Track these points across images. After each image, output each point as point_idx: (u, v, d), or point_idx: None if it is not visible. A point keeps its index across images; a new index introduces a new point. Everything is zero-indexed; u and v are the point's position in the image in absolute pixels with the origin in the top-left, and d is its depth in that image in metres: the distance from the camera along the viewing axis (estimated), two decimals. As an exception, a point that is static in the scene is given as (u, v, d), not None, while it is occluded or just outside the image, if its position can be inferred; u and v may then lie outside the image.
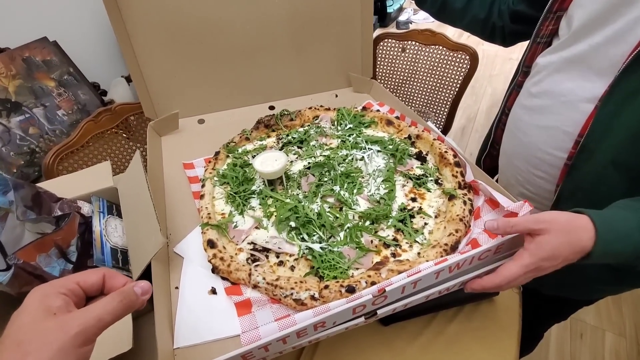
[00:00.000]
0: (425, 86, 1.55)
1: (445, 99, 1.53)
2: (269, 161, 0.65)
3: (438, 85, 1.52)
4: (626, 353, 1.37)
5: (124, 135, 1.30)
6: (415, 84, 1.56)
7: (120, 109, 1.16)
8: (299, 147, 0.77)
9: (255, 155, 0.75)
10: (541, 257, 0.45)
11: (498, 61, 3.21)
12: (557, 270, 0.47)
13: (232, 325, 0.48)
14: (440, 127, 1.57)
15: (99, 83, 1.96)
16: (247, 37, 0.83)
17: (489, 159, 0.84)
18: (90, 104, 1.80)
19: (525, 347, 1.00)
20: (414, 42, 1.47)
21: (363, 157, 0.71)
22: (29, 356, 0.27)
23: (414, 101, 1.60)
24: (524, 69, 0.68)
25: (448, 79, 1.48)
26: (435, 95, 1.55)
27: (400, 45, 1.50)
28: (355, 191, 0.64)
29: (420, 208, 0.61)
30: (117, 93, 1.95)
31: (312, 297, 0.48)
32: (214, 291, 0.52)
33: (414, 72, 1.54)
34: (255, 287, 0.51)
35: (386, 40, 1.51)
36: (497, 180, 0.74)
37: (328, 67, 0.95)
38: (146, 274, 0.51)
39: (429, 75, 1.51)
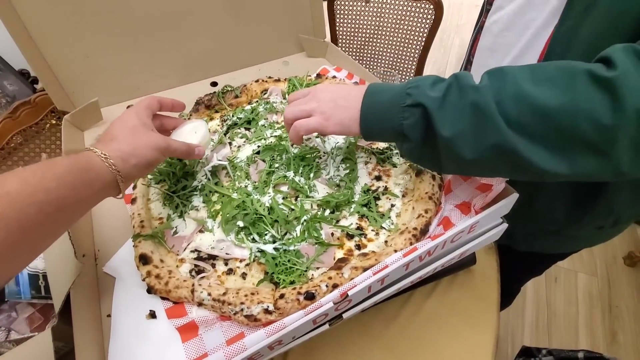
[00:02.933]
0: (391, 43, 1.43)
1: (412, 54, 1.43)
2: (186, 135, 0.53)
3: (404, 40, 1.41)
4: (598, 291, 1.43)
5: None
6: (380, 41, 1.45)
7: (42, 99, 1.00)
8: (246, 129, 0.67)
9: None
10: (319, 88, 0.50)
11: (464, 9, 3.09)
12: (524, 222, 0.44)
13: (176, 355, 0.41)
14: (408, 86, 1.48)
15: (28, 70, 1.74)
16: (173, 1, 0.69)
17: None
18: (20, 95, 1.59)
19: (503, 302, 1.02)
20: (375, -6, 1.33)
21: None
22: (137, 144, 0.43)
23: (380, 61, 1.49)
24: (487, 7, 0.60)
25: (413, 33, 1.37)
26: (401, 52, 1.44)
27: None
28: (312, 175, 0.56)
29: (386, 187, 0.54)
30: (49, 80, 1.73)
31: (266, 311, 0.41)
32: (153, 315, 0.44)
33: (378, 28, 1.41)
34: (200, 304, 0.44)
35: (344, -6, 1.36)
36: None
37: (274, 30, 0.83)
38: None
39: (393, 30, 1.40)
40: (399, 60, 1.46)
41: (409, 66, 1.45)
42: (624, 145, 0.31)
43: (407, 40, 1.40)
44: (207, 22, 0.75)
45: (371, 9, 1.38)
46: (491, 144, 0.35)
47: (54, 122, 1.13)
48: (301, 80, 0.73)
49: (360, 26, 1.43)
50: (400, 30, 1.39)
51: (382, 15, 1.38)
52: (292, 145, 0.59)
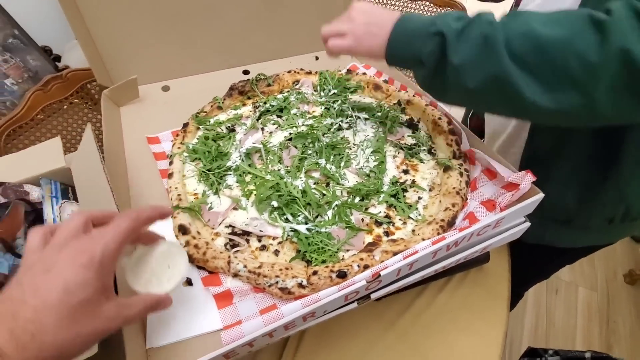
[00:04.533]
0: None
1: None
2: (153, 266, 0.38)
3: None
4: (597, 305, 1.45)
5: (88, 107, 1.16)
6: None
7: (72, 75, 1.02)
8: (278, 116, 0.69)
9: (231, 128, 0.67)
10: (357, 7, 0.51)
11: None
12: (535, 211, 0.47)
13: (212, 320, 0.43)
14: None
15: (51, 47, 1.76)
16: (212, -13, 0.72)
17: (475, 117, 0.80)
18: (42, 71, 1.61)
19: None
20: (402, -3, 1.35)
21: (350, 125, 0.65)
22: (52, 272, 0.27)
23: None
24: (516, 2, 0.63)
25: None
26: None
27: (382, 1, 1.38)
28: (342, 164, 0.58)
29: (414, 181, 0.56)
30: (72, 58, 1.75)
31: (300, 285, 0.43)
32: (189, 282, 0.46)
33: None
34: (235, 275, 0.46)
35: (370, -5, 1.38)
36: (483, 140, 0.71)
37: (308, 25, 0.85)
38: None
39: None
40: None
41: None
42: (605, 84, 0.34)
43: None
44: (245, 12, 0.77)
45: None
46: (491, 73, 0.39)
47: (76, 101, 1.15)
48: (332, 74, 0.76)
49: None
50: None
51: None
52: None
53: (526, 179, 0.47)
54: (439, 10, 1.32)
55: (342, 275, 0.43)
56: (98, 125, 1.18)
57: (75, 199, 0.60)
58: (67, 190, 0.61)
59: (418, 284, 0.68)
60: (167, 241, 0.41)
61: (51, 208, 0.55)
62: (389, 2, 1.37)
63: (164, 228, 0.52)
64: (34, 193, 0.57)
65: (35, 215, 0.54)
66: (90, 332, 0.28)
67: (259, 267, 0.45)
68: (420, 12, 1.36)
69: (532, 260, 0.76)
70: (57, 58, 1.74)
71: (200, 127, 0.67)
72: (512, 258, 0.75)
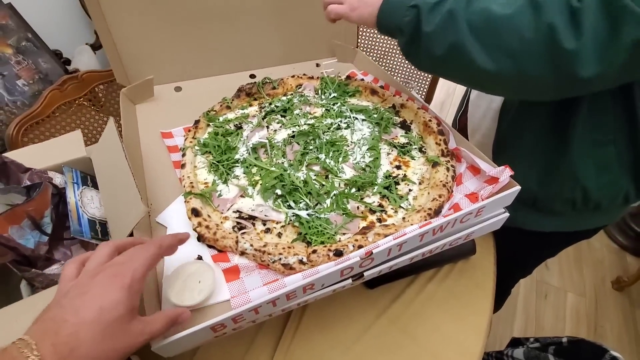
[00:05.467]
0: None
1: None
2: (183, 282, 0.46)
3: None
4: (585, 311, 1.49)
5: (93, 107, 1.23)
6: (397, 56, 1.55)
7: (87, 76, 1.08)
8: (282, 116, 0.75)
9: (239, 126, 0.73)
10: None
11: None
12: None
13: (221, 291, 0.48)
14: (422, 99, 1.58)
15: (62, 51, 1.82)
16: (227, -1, 0.79)
17: (463, 117, 0.86)
18: (52, 73, 1.68)
19: (495, 303, 1.08)
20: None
21: (348, 125, 0.71)
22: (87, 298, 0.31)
23: (397, 72, 1.59)
24: None
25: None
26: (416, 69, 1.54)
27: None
28: (340, 159, 0.64)
29: (405, 175, 0.62)
30: (81, 62, 1.82)
31: (301, 262, 0.48)
32: (200, 258, 0.51)
33: (396, 43, 1.51)
34: (242, 254, 0.51)
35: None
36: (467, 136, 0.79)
37: (311, 35, 0.92)
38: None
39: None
40: (413, 75, 1.56)
41: (424, 81, 1.55)
42: (535, 57, 0.42)
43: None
44: (254, 21, 0.84)
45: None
46: (452, 42, 0.47)
47: (84, 103, 1.21)
48: (333, 79, 0.82)
49: (380, 39, 1.53)
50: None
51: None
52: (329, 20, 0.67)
53: (505, 173, 0.53)
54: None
55: (339, 253, 0.48)
56: (104, 126, 1.24)
57: (94, 186, 0.65)
58: (86, 178, 0.66)
59: (409, 274, 0.73)
60: (198, 261, 0.50)
61: (73, 192, 0.61)
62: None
63: (177, 211, 0.57)
64: (57, 179, 0.62)
65: (59, 198, 0.59)
66: (121, 347, 0.31)
67: (264, 245, 0.50)
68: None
69: (512, 250, 0.81)
70: (67, 61, 1.81)
71: (211, 124, 0.73)
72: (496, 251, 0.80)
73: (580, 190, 0.64)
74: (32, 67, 1.68)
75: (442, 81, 2.35)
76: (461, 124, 0.87)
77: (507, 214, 0.56)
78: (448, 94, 2.61)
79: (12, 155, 0.62)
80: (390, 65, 1.59)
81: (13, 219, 0.51)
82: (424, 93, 1.57)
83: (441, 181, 0.57)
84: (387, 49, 1.54)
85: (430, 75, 1.52)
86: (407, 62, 1.54)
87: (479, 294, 0.72)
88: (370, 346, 0.65)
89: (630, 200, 0.66)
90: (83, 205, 0.59)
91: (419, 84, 1.57)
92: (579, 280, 1.59)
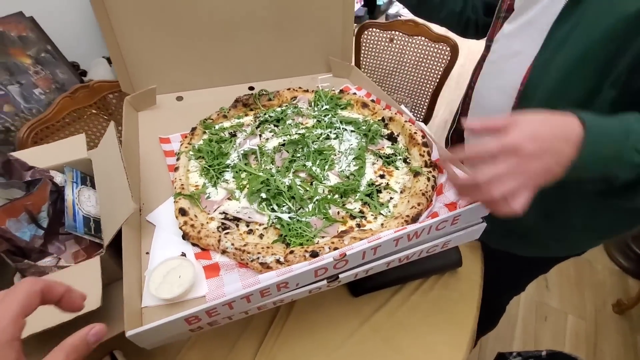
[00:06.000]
0: (410, 78, 1.57)
1: (427, 91, 1.56)
2: (170, 277, 0.48)
3: (421, 77, 1.55)
4: (585, 334, 1.45)
5: (103, 116, 1.29)
6: (399, 76, 1.59)
7: (98, 86, 1.14)
8: (275, 126, 0.78)
9: (233, 134, 0.76)
10: (522, 131, 0.38)
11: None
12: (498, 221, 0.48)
13: (200, 287, 0.50)
14: (421, 118, 1.60)
15: (79, 63, 1.91)
16: (229, 14, 0.84)
17: (455, 135, 0.88)
18: (68, 84, 1.76)
19: (488, 320, 1.07)
20: (399, 33, 1.49)
21: (337, 135, 0.74)
22: None
23: (399, 93, 1.63)
24: (487, 44, 0.72)
25: (430, 71, 1.51)
26: (418, 88, 1.58)
27: (388, 36, 1.51)
28: (326, 167, 0.66)
29: (388, 184, 0.64)
30: (97, 74, 1.90)
31: (278, 261, 0.50)
32: (183, 255, 0.54)
33: (400, 64, 1.56)
34: (224, 252, 0.53)
35: (371, 29, 1.52)
36: None
37: (309, 50, 0.96)
38: (117, 241, 0.52)
39: (413, 67, 1.54)
40: (415, 95, 1.60)
41: (423, 102, 1.58)
42: None
43: (424, 78, 1.54)
44: (254, 36, 0.89)
45: (394, 47, 1.53)
46: None
47: (94, 111, 1.27)
48: (326, 93, 0.85)
49: (383, 60, 1.58)
50: (419, 68, 1.53)
51: (404, 53, 1.53)
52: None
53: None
54: (433, 44, 1.44)
55: (315, 255, 0.50)
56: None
57: (92, 186, 0.69)
58: (86, 178, 0.70)
59: (395, 283, 0.74)
60: (181, 257, 0.52)
61: (71, 191, 0.64)
62: (392, 35, 1.50)
63: (167, 211, 0.60)
64: (58, 178, 0.66)
65: (58, 195, 0.62)
66: None
67: (244, 245, 0.52)
68: (416, 47, 1.49)
69: (502, 268, 0.81)
70: (84, 73, 1.89)
71: (207, 131, 0.76)
72: (485, 266, 0.80)
73: (570, 227, 0.67)
74: (49, 77, 1.77)
75: (445, 100, 2.38)
76: (454, 141, 0.89)
77: (484, 224, 0.58)
78: (452, 113, 2.64)
79: (17, 154, 0.66)
80: (392, 86, 1.63)
81: (11, 212, 0.55)
82: (422, 114, 1.60)
83: (421, 190, 0.59)
84: (390, 69, 1.58)
85: (429, 97, 1.56)
86: (408, 82, 1.58)
87: (463, 308, 0.73)
88: (352, 353, 0.65)
89: None
90: (79, 203, 0.63)
91: (419, 106, 1.60)
92: (580, 302, 1.55)
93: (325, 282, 0.51)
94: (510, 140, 0.39)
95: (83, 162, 0.71)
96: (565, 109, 0.42)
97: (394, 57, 1.55)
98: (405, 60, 1.54)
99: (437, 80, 1.50)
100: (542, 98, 0.57)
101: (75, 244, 0.63)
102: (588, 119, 0.40)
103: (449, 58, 1.43)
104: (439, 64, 1.48)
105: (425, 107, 1.59)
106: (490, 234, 0.59)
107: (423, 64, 1.51)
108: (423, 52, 1.49)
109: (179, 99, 0.89)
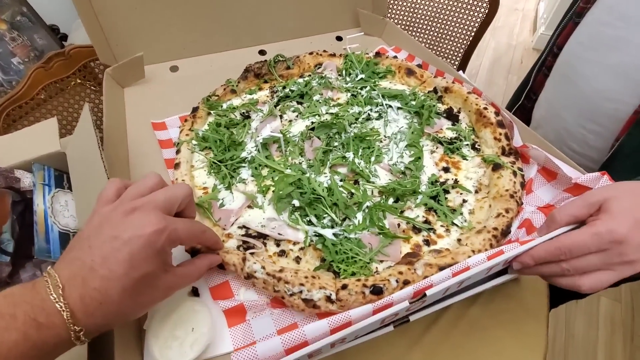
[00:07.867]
0: (442, 31, 1.36)
1: (461, 45, 1.36)
2: (180, 331, 0.35)
3: (455, 30, 1.34)
4: (621, 317, 1.36)
5: (91, 86, 1.10)
6: (431, 28, 1.37)
7: (75, 52, 0.95)
8: (298, 103, 0.61)
9: (246, 115, 0.60)
10: (626, 218, 0.32)
11: (502, 11, 2.97)
12: None
13: (222, 340, 0.36)
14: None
15: (58, 26, 1.72)
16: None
17: (519, 112, 0.73)
18: (49, 50, 1.57)
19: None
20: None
21: (380, 115, 0.57)
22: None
23: (429, 48, 1.42)
24: (556, 51, 0.55)
25: (465, 24, 1.30)
26: (450, 42, 1.37)
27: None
28: (373, 159, 0.51)
29: (456, 180, 0.49)
30: (79, 37, 1.72)
31: (328, 299, 0.36)
32: (195, 292, 0.40)
33: (433, 14, 1.34)
34: (249, 277, 0.39)
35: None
36: None
37: (330, 2, 0.77)
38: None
39: (447, 18, 1.33)
40: (446, 49, 1.39)
41: (456, 54, 1.38)
42: None
43: (457, 31, 1.33)
44: (264, -15, 0.69)
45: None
46: None
47: (79, 81, 1.09)
48: (359, 57, 0.67)
49: (415, 10, 1.36)
50: (453, 20, 1.32)
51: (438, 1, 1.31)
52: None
53: (601, 182, 0.39)
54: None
55: (378, 291, 0.36)
56: (102, 107, 1.11)
57: (71, 188, 0.54)
58: (61, 177, 0.54)
59: (447, 298, 0.61)
60: (192, 298, 0.38)
61: (42, 197, 0.49)
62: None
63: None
64: (26, 180, 0.51)
65: (24, 206, 0.48)
66: (149, 300, 0.31)
67: (280, 271, 0.38)
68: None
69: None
70: (64, 37, 1.70)
71: (212, 112, 0.60)
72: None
73: None
74: (27, 43, 1.58)
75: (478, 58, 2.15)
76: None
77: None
78: (470, 77, 2.41)
79: (-31, 150, 0.51)
80: (422, 40, 1.41)
81: (-42, 238, 0.40)
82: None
83: (507, 190, 0.44)
84: (422, 21, 1.36)
85: (461, 54, 1.36)
86: (441, 36, 1.37)
87: (529, 322, 0.60)
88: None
89: None
90: (54, 214, 0.48)
91: (449, 61, 1.40)
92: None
93: (391, 327, 0.38)
94: (615, 236, 0.32)
95: (57, 156, 0.55)
96: None
97: (426, 6, 1.33)
98: (438, 9, 1.32)
99: (472, 35, 1.30)
100: None
101: (55, 265, 0.49)
102: None
103: (487, 10, 1.22)
104: (474, 17, 1.27)
105: (457, 65, 1.39)
106: None
107: (458, 16, 1.30)
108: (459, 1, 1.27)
109: (174, 69, 0.71)
